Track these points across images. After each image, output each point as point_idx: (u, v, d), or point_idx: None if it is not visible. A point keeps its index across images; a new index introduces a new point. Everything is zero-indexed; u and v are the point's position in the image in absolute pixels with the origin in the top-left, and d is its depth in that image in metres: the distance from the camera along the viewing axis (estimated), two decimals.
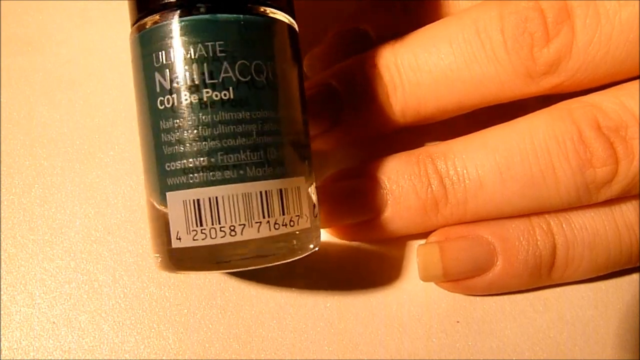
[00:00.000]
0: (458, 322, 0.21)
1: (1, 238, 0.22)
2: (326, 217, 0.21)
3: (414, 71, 0.20)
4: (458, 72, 0.20)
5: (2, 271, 0.22)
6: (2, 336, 0.21)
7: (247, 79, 0.17)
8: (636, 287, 0.22)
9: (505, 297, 0.22)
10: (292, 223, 0.17)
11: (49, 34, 0.25)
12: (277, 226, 0.17)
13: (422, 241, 0.21)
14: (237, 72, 0.17)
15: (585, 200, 0.19)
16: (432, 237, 0.21)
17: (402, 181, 0.20)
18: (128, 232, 0.22)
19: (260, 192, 0.17)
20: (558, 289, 0.22)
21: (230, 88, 0.17)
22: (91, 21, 0.25)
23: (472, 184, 0.20)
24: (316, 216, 0.19)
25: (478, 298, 0.22)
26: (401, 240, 0.22)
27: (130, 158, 0.23)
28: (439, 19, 0.22)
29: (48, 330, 0.22)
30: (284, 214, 0.17)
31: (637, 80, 0.19)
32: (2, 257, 0.22)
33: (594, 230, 0.20)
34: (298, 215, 0.18)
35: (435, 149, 0.20)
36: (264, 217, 0.17)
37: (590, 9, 0.19)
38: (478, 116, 0.21)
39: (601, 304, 0.22)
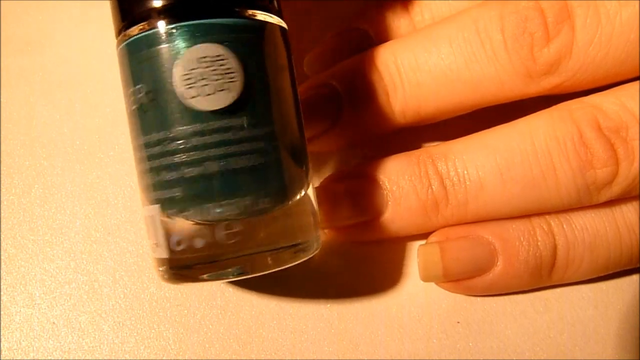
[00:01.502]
0: (458, 322, 0.21)
1: (1, 238, 0.22)
2: (326, 218, 0.21)
3: (414, 71, 0.20)
4: (458, 72, 0.20)
5: (2, 271, 0.22)
6: (2, 336, 0.21)
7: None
8: (636, 287, 0.22)
9: (506, 297, 0.22)
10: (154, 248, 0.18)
11: (49, 34, 0.24)
12: (155, 250, 0.18)
13: (423, 241, 0.21)
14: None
15: (586, 201, 0.19)
16: (433, 237, 0.21)
17: (402, 182, 0.20)
18: (128, 232, 0.22)
19: (147, 217, 0.18)
20: (558, 290, 0.22)
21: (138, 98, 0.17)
22: (91, 21, 0.24)
23: (472, 185, 0.20)
24: (316, 223, 0.18)
25: (478, 298, 0.22)
26: (401, 241, 0.22)
27: (130, 158, 0.23)
28: (439, 18, 0.22)
29: (48, 330, 0.22)
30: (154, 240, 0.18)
31: (638, 81, 0.19)
32: (2, 257, 0.22)
33: (595, 231, 0.20)
34: (156, 243, 0.18)
35: (435, 150, 0.20)
36: (154, 240, 0.18)
37: (590, 9, 0.19)
38: (478, 116, 0.21)
39: (601, 304, 0.22)
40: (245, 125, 0.16)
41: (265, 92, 0.17)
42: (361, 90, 0.21)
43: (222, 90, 0.16)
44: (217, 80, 0.16)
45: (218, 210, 0.16)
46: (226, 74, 0.16)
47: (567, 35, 0.19)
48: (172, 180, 0.17)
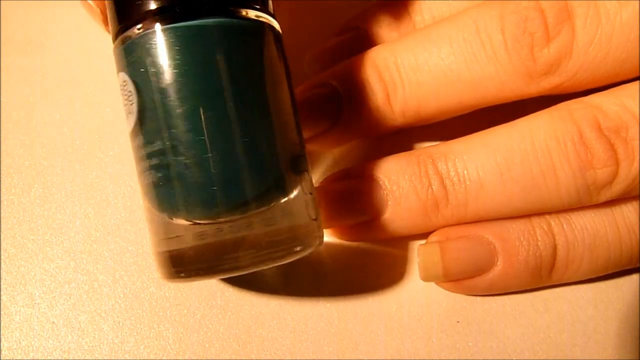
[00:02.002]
0: (458, 322, 0.21)
1: (1, 238, 0.22)
2: (326, 218, 0.21)
3: (414, 71, 0.20)
4: (458, 72, 0.20)
5: (2, 271, 0.22)
6: (2, 336, 0.21)
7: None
8: (636, 287, 0.22)
9: (506, 297, 0.22)
10: None
11: (49, 34, 0.24)
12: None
13: (423, 241, 0.21)
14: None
15: (586, 201, 0.19)
16: (433, 237, 0.21)
17: (402, 182, 0.20)
18: (128, 232, 0.22)
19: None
20: (558, 289, 0.22)
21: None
22: (91, 21, 0.24)
23: (472, 185, 0.20)
24: (316, 219, 0.18)
25: (478, 298, 0.22)
26: (401, 241, 0.22)
27: (130, 158, 0.23)
28: (439, 18, 0.22)
29: (48, 330, 0.22)
30: None
31: (638, 81, 0.19)
32: (2, 257, 0.22)
33: (595, 231, 0.20)
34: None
35: (435, 150, 0.20)
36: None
37: (590, 9, 0.19)
38: (478, 116, 0.21)
39: (601, 304, 0.22)
40: (148, 143, 0.17)
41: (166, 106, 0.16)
42: (361, 90, 0.21)
43: (129, 113, 0.17)
44: (126, 105, 0.17)
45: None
46: (128, 97, 0.17)
47: (567, 35, 0.19)
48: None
